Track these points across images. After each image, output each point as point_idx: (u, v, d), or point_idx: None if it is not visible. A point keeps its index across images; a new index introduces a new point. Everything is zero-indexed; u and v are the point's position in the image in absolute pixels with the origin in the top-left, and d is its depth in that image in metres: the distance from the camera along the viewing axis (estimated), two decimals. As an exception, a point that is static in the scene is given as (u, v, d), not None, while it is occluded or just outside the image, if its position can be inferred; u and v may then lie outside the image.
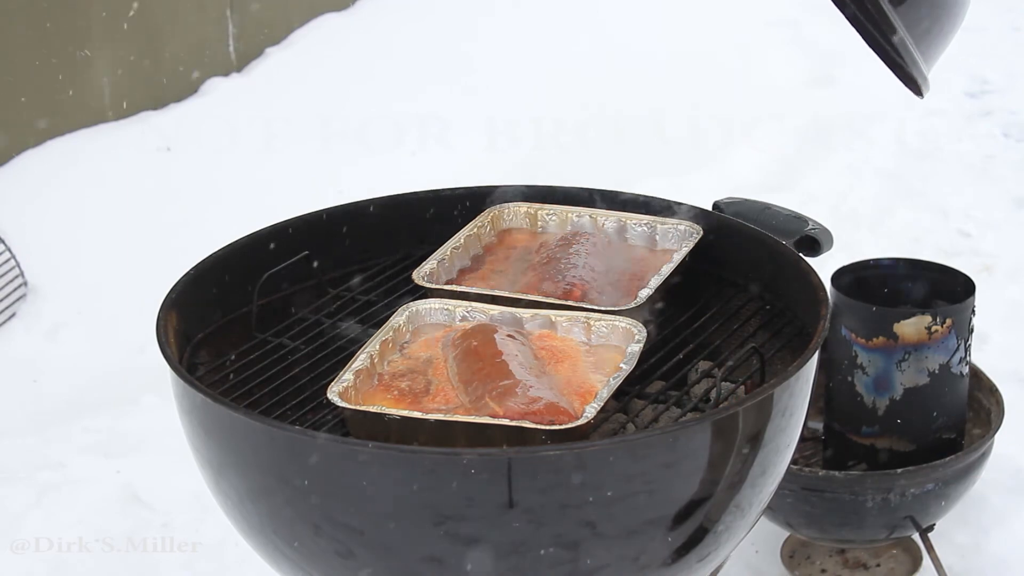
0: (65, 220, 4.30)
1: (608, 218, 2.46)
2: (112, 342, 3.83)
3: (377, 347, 2.07)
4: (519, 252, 2.42)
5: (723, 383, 2.06)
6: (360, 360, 2.03)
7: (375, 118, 5.04)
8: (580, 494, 1.79)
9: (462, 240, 2.39)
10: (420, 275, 2.28)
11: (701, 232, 2.39)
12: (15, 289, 3.97)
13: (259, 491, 1.91)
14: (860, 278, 2.90)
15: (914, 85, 1.92)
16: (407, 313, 2.17)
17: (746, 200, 2.49)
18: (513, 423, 1.86)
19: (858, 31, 1.83)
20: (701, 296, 2.36)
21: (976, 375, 2.94)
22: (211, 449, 1.97)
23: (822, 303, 2.13)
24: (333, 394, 1.94)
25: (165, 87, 5.10)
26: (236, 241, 2.35)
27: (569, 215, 2.48)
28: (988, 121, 5.65)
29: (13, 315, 3.94)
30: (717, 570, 2.18)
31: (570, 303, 2.19)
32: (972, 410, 2.91)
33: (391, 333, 2.12)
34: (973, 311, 2.76)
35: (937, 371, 2.73)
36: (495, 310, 2.17)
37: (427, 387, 2.02)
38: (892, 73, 1.86)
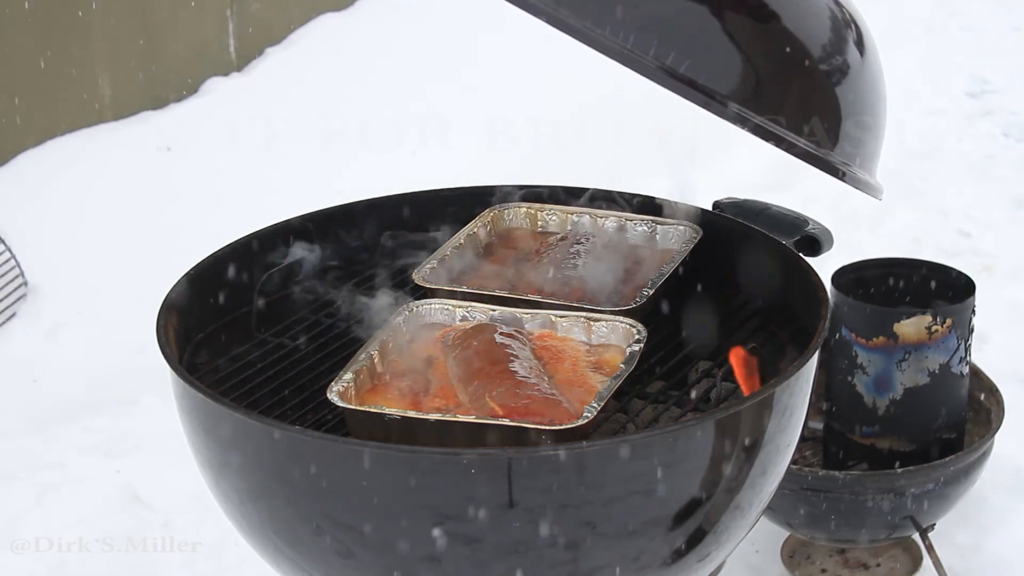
0: (65, 220, 4.29)
1: (608, 218, 2.46)
2: (112, 342, 3.83)
3: (377, 347, 2.07)
4: (519, 252, 2.41)
5: (723, 383, 2.06)
6: (360, 360, 2.03)
7: (375, 118, 5.03)
8: (580, 494, 1.79)
9: (462, 240, 2.39)
10: (420, 275, 2.28)
11: (701, 232, 2.39)
12: (15, 289, 3.97)
13: (259, 491, 1.91)
14: (860, 278, 2.90)
15: (872, 192, 2.06)
16: (407, 313, 2.17)
17: (746, 200, 2.48)
18: (513, 423, 1.86)
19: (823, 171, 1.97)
20: (701, 296, 2.36)
21: (976, 375, 2.94)
22: (211, 449, 1.97)
23: (822, 303, 2.12)
24: (333, 394, 1.94)
25: (165, 87, 5.10)
26: (236, 241, 2.35)
27: (569, 215, 2.48)
28: (988, 121, 5.65)
29: (13, 315, 3.94)
30: (717, 570, 2.18)
31: (570, 303, 2.19)
32: (972, 410, 2.91)
33: (391, 333, 2.12)
34: (973, 311, 2.76)
35: (937, 371, 2.73)
36: (495, 310, 2.17)
37: (427, 387, 2.02)
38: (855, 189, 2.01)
